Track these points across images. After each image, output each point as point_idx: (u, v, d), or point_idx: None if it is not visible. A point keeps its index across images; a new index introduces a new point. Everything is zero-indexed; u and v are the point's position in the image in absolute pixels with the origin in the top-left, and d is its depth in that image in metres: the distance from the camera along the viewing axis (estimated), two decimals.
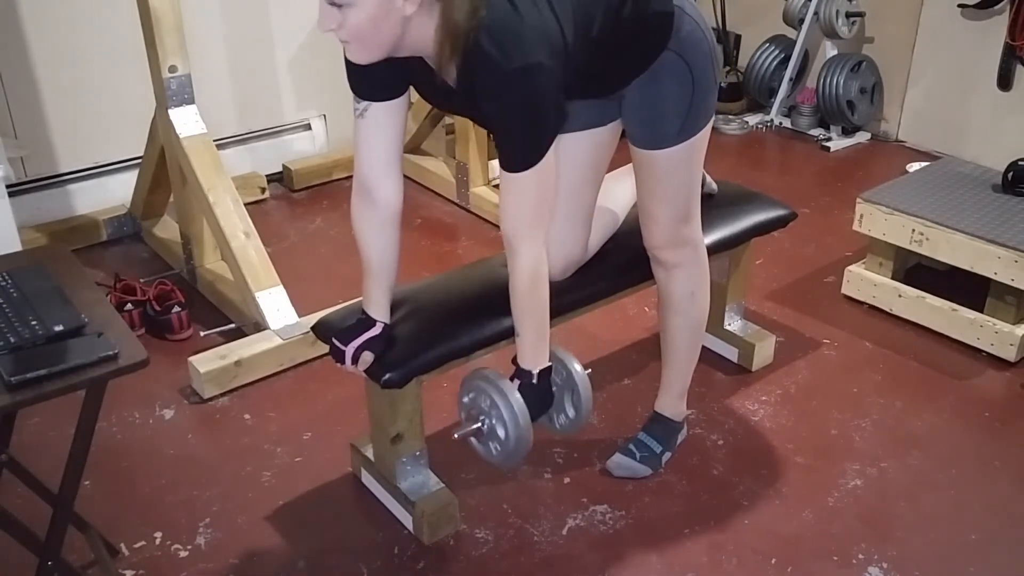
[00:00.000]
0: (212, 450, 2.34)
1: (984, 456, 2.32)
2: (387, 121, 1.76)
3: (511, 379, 1.85)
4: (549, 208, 1.75)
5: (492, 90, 1.60)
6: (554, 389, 1.91)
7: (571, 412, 1.95)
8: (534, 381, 1.85)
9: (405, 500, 2.07)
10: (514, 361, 1.88)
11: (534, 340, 1.83)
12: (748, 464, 2.29)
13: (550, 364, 1.87)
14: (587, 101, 1.90)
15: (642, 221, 2.04)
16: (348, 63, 1.72)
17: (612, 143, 2.02)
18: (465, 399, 1.92)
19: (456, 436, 1.90)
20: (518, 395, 1.81)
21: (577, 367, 1.91)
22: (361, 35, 1.56)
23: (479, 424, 1.87)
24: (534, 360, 1.85)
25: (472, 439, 1.91)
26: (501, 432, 1.84)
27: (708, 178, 2.40)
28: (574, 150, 1.96)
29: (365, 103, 1.74)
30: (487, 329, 1.97)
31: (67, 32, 3.15)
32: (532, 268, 1.76)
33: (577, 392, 1.91)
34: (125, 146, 3.34)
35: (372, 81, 1.71)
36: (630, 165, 2.01)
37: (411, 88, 1.78)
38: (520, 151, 1.67)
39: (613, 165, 2.09)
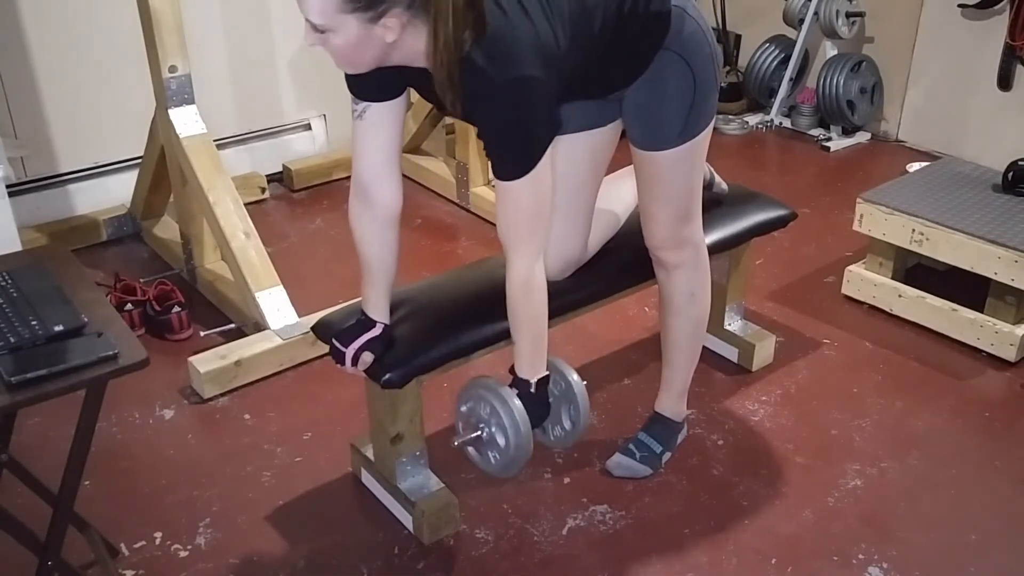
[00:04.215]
0: (212, 450, 2.34)
1: (984, 456, 2.32)
2: (386, 122, 1.75)
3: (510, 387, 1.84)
4: (544, 218, 1.73)
5: (483, 101, 1.59)
6: (551, 400, 1.89)
7: (567, 424, 1.92)
8: (532, 391, 1.83)
9: (405, 500, 2.07)
10: (511, 371, 1.86)
11: (531, 350, 1.82)
12: (748, 464, 2.29)
13: (548, 374, 1.86)
14: (586, 102, 1.90)
15: (643, 221, 2.04)
16: None
17: (612, 144, 2.02)
18: (463, 407, 1.88)
19: (455, 444, 1.88)
20: (519, 402, 1.79)
21: (575, 378, 1.87)
22: (344, 55, 1.56)
23: (478, 432, 1.84)
24: (531, 370, 1.83)
25: (470, 448, 1.89)
26: (501, 440, 1.81)
27: (718, 177, 2.40)
28: (573, 151, 1.95)
29: (364, 104, 1.73)
30: (487, 329, 1.97)
31: (67, 32, 3.15)
32: (525, 278, 1.74)
33: (575, 405, 1.88)
34: (125, 146, 3.34)
35: (370, 83, 1.70)
36: (632, 166, 2.01)
37: (409, 88, 1.77)
38: (511, 160, 1.66)
39: (614, 165, 2.09)
